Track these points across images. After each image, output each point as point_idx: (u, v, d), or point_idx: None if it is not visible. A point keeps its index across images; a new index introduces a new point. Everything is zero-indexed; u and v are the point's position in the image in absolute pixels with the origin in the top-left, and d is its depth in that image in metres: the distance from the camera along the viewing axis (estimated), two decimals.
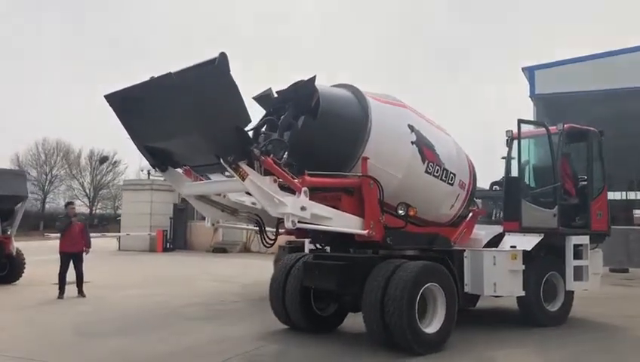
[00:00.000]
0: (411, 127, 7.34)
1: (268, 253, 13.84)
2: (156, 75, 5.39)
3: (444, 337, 6.84)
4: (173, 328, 8.32)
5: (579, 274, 8.60)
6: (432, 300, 6.85)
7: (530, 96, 23.99)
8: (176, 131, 5.58)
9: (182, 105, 5.25)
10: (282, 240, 11.31)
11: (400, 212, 7.15)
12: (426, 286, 6.64)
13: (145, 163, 9.08)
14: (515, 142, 8.67)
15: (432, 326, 6.74)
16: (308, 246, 9.65)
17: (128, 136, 6.28)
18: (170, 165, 6.53)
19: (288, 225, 5.86)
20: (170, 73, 5.16)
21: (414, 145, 7.27)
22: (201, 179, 6.89)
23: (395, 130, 7.15)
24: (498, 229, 8.69)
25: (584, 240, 8.72)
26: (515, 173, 8.98)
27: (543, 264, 8.45)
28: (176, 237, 28.21)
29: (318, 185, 6.52)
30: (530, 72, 23.68)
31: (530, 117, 23.71)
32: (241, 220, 7.31)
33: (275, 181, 5.83)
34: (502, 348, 7.16)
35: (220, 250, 26.25)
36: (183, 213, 28.18)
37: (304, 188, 5.99)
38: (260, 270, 13.58)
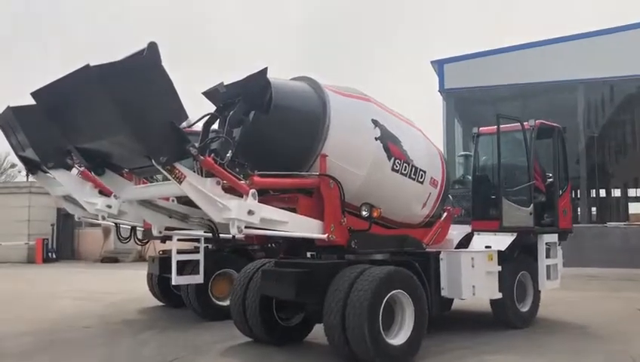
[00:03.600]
0: (375, 122, 6.82)
1: None
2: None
3: (414, 348, 6.31)
4: None
5: (549, 272, 8.41)
6: (400, 309, 6.33)
7: (439, 91, 23.30)
8: (103, 131, 5.00)
9: (106, 102, 4.66)
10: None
11: (364, 213, 6.62)
12: (390, 294, 6.10)
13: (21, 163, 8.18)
14: (481, 138, 8.63)
15: (399, 337, 6.20)
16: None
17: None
18: (109, 168, 5.93)
19: (234, 231, 5.29)
20: (87, 65, 4.57)
21: (378, 141, 6.76)
22: (144, 182, 6.32)
23: (356, 125, 6.63)
24: (467, 229, 8.30)
25: (553, 238, 8.55)
26: (490, 170, 8.82)
27: (515, 264, 8.14)
28: (61, 246, 25.71)
29: (270, 186, 5.98)
30: (439, 65, 23.04)
31: (440, 112, 23.10)
32: (192, 226, 6.70)
33: (218, 183, 5.26)
34: (478, 354, 6.66)
35: (111, 259, 24.13)
36: (68, 219, 24.77)
37: (252, 191, 5.43)
38: (145, 282, 11.08)
